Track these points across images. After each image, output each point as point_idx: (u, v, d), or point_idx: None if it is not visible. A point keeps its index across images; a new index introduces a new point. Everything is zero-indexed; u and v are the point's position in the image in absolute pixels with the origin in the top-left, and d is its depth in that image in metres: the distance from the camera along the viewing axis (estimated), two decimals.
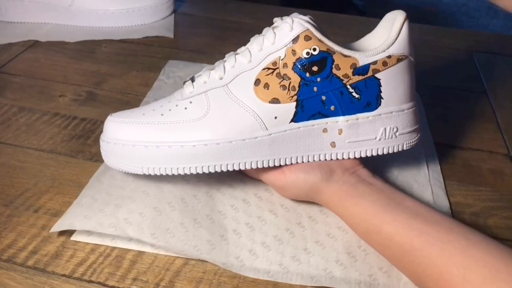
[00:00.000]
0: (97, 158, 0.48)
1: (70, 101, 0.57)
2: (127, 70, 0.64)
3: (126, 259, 0.38)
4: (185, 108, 0.41)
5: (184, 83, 0.43)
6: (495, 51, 0.75)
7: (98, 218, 0.40)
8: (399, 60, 0.41)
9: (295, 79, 0.40)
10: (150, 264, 0.38)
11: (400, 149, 0.43)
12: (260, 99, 0.40)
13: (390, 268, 0.38)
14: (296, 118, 0.40)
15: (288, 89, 0.40)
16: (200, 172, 0.40)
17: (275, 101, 0.40)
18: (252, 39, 0.42)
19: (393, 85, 0.41)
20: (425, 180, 0.48)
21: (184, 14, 0.81)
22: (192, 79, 0.43)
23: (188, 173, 0.40)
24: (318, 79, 0.40)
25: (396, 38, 0.41)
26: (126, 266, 0.38)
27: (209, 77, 0.42)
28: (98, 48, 0.69)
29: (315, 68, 0.40)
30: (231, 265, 0.38)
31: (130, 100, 0.58)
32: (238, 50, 0.42)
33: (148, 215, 0.41)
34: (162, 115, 0.41)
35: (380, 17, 0.44)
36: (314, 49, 0.39)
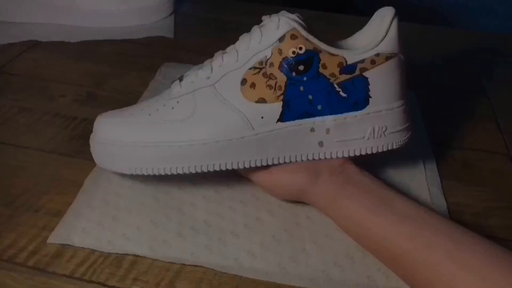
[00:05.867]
0: None
1: (71, 101, 0.57)
2: (128, 70, 0.64)
3: (127, 259, 0.38)
4: (172, 108, 0.41)
5: (172, 82, 0.43)
6: (495, 51, 0.75)
7: (96, 233, 0.40)
8: (388, 58, 0.40)
9: (282, 79, 0.39)
10: (150, 264, 0.38)
11: (389, 148, 0.42)
12: (247, 98, 0.40)
13: (388, 269, 0.38)
14: (283, 118, 0.40)
15: (275, 89, 0.39)
16: (187, 172, 0.40)
17: (261, 101, 0.40)
18: (240, 38, 0.42)
19: (382, 84, 0.40)
20: (422, 179, 0.48)
21: (184, 14, 0.81)
22: (180, 79, 0.42)
23: (175, 173, 0.40)
24: (305, 79, 0.39)
25: (385, 36, 0.40)
26: (127, 266, 0.38)
27: (196, 76, 0.41)
28: (99, 48, 0.69)
29: (301, 68, 0.39)
30: (229, 267, 0.38)
31: (131, 100, 0.58)
32: (227, 49, 0.42)
33: (146, 228, 0.40)
34: (149, 114, 0.41)
35: None
36: (300, 48, 0.39)
